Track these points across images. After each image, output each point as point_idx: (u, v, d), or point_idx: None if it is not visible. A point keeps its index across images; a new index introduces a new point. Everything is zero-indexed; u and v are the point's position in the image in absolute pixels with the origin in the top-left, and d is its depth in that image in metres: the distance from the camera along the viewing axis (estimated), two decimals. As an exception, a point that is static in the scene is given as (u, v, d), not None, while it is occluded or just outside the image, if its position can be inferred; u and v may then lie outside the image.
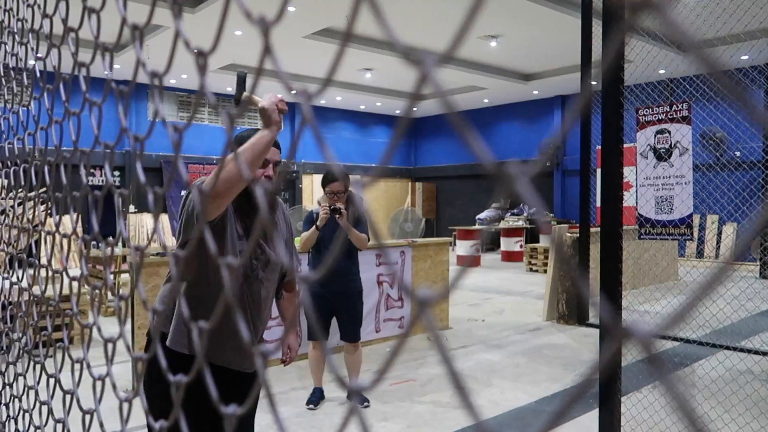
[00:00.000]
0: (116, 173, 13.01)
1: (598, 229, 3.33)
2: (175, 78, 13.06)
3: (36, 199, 1.31)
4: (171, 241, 12.96)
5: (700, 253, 12.06)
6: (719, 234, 12.00)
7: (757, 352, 4.85)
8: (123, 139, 1.65)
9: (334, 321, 3.95)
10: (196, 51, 0.52)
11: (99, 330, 0.81)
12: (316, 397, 3.97)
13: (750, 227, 0.27)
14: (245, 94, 1.84)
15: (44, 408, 1.09)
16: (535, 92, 14.79)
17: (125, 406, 0.72)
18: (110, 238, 0.87)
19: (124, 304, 0.80)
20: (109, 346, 0.78)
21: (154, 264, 4.28)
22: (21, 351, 1.34)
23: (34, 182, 1.27)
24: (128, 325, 4.35)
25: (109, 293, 6.94)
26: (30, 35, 1.25)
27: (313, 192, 16.12)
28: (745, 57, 10.13)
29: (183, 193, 1.84)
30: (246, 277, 1.92)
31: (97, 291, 0.93)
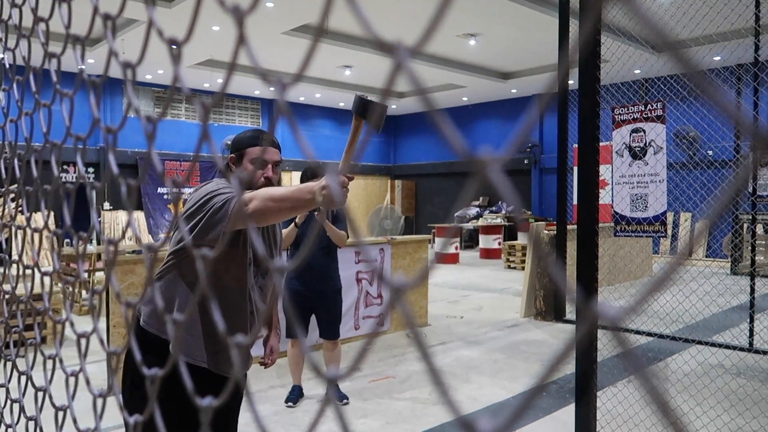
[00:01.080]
0: (90, 169, 12.78)
1: (575, 226, 3.37)
2: (151, 73, 12.88)
3: (6, 195, 1.28)
4: (146, 238, 12.78)
5: (673, 250, 12.29)
6: (692, 231, 12.24)
7: (727, 347, 4.95)
8: (97, 135, 1.62)
9: (312, 319, 3.94)
10: (169, 41, 0.52)
11: (72, 325, 0.79)
12: (295, 395, 3.96)
13: (705, 222, 0.27)
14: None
15: (15, 406, 1.07)
16: (514, 91, 14.90)
17: (99, 402, 0.71)
18: (82, 233, 0.86)
19: (98, 300, 0.79)
20: (83, 341, 0.77)
21: (130, 261, 4.22)
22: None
23: (3, 176, 1.24)
24: (102, 323, 4.29)
25: (83, 292, 6.80)
26: None
27: (291, 189, 16.03)
28: (718, 58, 10.34)
29: (206, 188, 1.78)
30: (252, 285, 1.92)
31: (69, 287, 0.92)
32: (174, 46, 0.51)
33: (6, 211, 1.35)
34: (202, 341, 1.82)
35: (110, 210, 12.71)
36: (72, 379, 0.82)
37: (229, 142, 15.38)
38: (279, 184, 1.98)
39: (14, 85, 1.09)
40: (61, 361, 0.87)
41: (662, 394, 0.31)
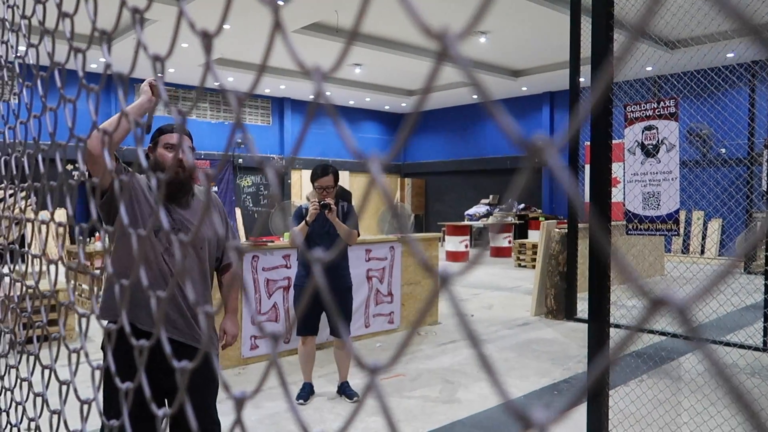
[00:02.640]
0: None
1: (587, 224, 3.35)
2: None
3: (27, 191, 1.30)
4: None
5: (685, 249, 12.19)
6: (705, 229, 12.13)
7: (741, 346, 4.90)
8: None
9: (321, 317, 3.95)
10: (201, 32, 0.52)
11: (96, 317, 0.80)
12: (306, 392, 3.97)
13: (757, 232, 0.27)
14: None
15: (38, 399, 1.08)
16: (524, 88, 14.83)
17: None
18: (83, 224, 0.88)
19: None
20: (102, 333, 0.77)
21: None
22: (14, 343, 1.33)
23: (14, 173, 1.26)
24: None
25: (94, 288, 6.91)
26: (10, 34, 1.24)
27: (302, 187, 16.06)
28: (731, 55, 10.23)
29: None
30: (166, 250, 2.12)
31: (91, 281, 0.93)
32: (205, 38, 0.51)
33: (17, 206, 1.37)
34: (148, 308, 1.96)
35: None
36: (97, 372, 0.83)
37: (239, 140, 15.21)
38: (192, 169, 2.18)
39: (36, 83, 1.10)
40: (86, 354, 0.88)
41: (727, 372, 0.31)
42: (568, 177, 0.30)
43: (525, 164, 0.32)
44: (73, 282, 4.52)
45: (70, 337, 5.38)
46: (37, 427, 1.09)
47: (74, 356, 0.91)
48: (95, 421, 1.69)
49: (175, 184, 2.13)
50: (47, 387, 1.04)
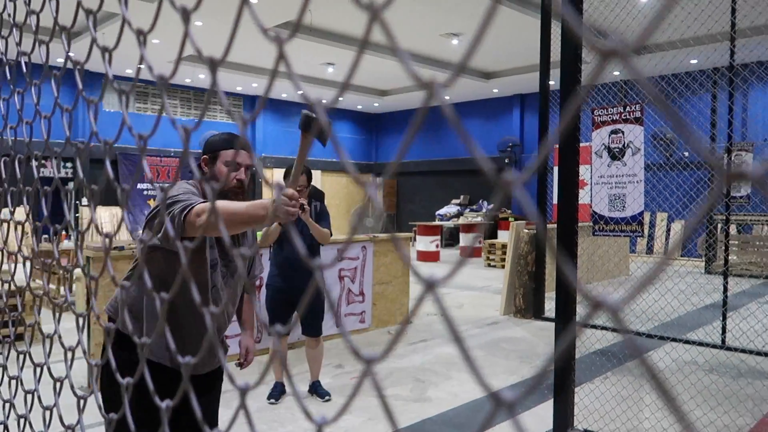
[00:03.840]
0: (68, 164, 12.60)
1: (555, 225, 3.44)
2: (131, 68, 12.72)
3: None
4: (125, 235, 12.63)
5: (649, 249, 12.51)
6: (668, 231, 12.48)
7: (701, 344, 5.08)
8: (75, 130, 1.66)
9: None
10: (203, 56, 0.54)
11: (72, 305, 0.81)
12: (278, 392, 3.97)
13: (690, 225, 0.31)
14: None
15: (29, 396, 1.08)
16: (495, 90, 15.02)
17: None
18: (56, 225, 0.89)
19: (93, 283, 0.81)
20: (80, 319, 0.79)
21: (113, 258, 4.19)
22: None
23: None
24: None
25: (61, 289, 6.70)
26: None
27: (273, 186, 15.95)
28: (695, 61, 10.55)
29: (172, 190, 1.78)
30: (214, 285, 1.94)
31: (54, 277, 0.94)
32: (211, 63, 0.54)
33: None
34: (164, 339, 1.83)
35: (87, 206, 12.55)
36: (69, 354, 0.85)
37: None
38: (250, 187, 2.01)
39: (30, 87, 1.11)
40: (60, 336, 0.90)
41: (659, 375, 0.35)
42: (532, 208, 0.34)
43: (496, 196, 0.36)
44: (49, 282, 4.42)
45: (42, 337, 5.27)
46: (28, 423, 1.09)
47: (69, 353, 0.92)
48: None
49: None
50: (71, 366, 1.04)
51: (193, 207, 1.67)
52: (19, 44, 1.15)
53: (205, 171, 1.98)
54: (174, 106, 14.50)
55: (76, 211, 12.40)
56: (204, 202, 1.70)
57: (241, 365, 2.40)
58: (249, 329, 2.39)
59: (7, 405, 1.26)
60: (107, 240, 0.79)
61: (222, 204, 1.65)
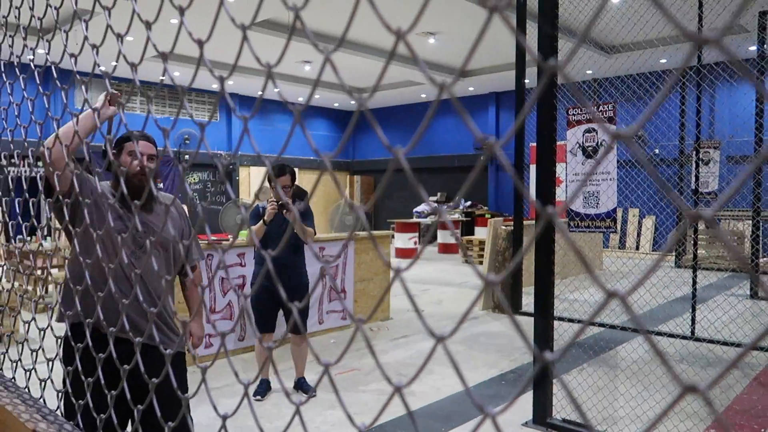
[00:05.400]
0: (39, 163, 12.37)
1: (532, 222, 3.55)
2: (105, 65, 12.54)
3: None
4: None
5: (622, 245, 12.82)
6: (640, 227, 12.79)
7: (671, 335, 5.28)
8: (47, 128, 1.75)
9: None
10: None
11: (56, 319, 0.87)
12: (263, 389, 4.02)
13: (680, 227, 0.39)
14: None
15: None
16: (471, 88, 15.18)
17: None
18: (26, 223, 0.94)
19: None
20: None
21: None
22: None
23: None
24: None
25: (37, 289, 6.61)
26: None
27: (250, 184, 15.90)
28: (664, 61, 10.83)
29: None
30: (132, 253, 2.18)
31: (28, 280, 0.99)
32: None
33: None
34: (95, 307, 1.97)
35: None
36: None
37: (187, 136, 14.98)
38: (155, 175, 2.16)
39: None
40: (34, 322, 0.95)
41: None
42: (513, 171, 0.42)
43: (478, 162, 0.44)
44: (17, 282, 4.38)
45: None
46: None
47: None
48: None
49: (138, 189, 2.18)
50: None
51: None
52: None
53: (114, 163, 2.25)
54: (147, 103, 14.35)
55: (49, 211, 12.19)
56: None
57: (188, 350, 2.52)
58: (197, 315, 2.57)
59: None
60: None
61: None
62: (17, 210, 1.09)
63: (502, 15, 0.46)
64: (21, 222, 1.54)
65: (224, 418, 0.70)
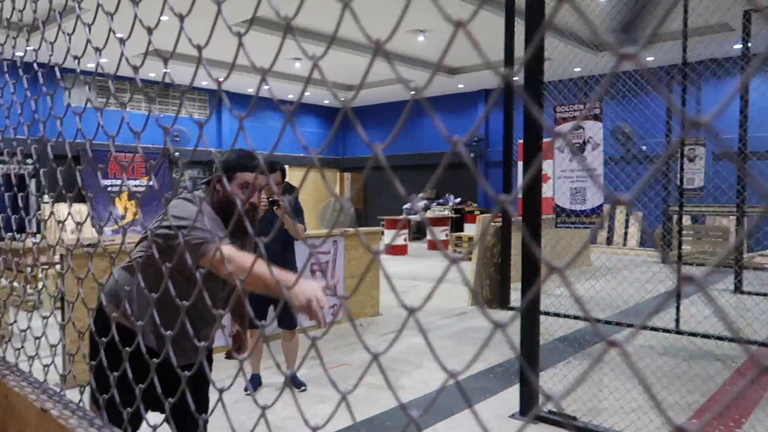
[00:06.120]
0: (29, 161, 12.30)
1: (520, 218, 3.62)
2: (93, 62, 12.49)
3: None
4: (89, 231, 12.43)
5: (609, 241, 12.96)
6: (627, 223, 12.94)
7: (655, 329, 5.37)
8: (35, 126, 1.68)
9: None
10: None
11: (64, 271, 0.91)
12: (254, 384, 4.07)
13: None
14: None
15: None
16: (460, 86, 15.26)
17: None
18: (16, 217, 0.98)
19: (79, 282, 0.91)
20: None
21: (87, 256, 4.20)
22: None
23: None
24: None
25: (27, 288, 6.60)
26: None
27: (240, 181, 15.87)
28: (651, 58, 10.96)
29: (184, 208, 1.78)
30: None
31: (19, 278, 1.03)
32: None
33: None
34: (153, 328, 1.92)
35: (49, 203, 12.29)
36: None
37: (176, 134, 14.92)
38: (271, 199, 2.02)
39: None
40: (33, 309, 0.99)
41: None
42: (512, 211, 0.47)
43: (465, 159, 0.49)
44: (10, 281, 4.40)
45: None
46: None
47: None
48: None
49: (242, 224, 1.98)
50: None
51: (211, 245, 1.61)
52: None
53: (218, 190, 1.92)
54: (138, 100, 14.28)
55: (38, 208, 12.11)
56: (221, 239, 1.67)
57: (230, 356, 2.50)
58: (245, 325, 2.48)
59: None
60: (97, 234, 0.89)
61: (250, 261, 1.62)
62: (6, 204, 1.12)
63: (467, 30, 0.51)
64: (11, 215, 1.56)
65: (222, 390, 0.75)
